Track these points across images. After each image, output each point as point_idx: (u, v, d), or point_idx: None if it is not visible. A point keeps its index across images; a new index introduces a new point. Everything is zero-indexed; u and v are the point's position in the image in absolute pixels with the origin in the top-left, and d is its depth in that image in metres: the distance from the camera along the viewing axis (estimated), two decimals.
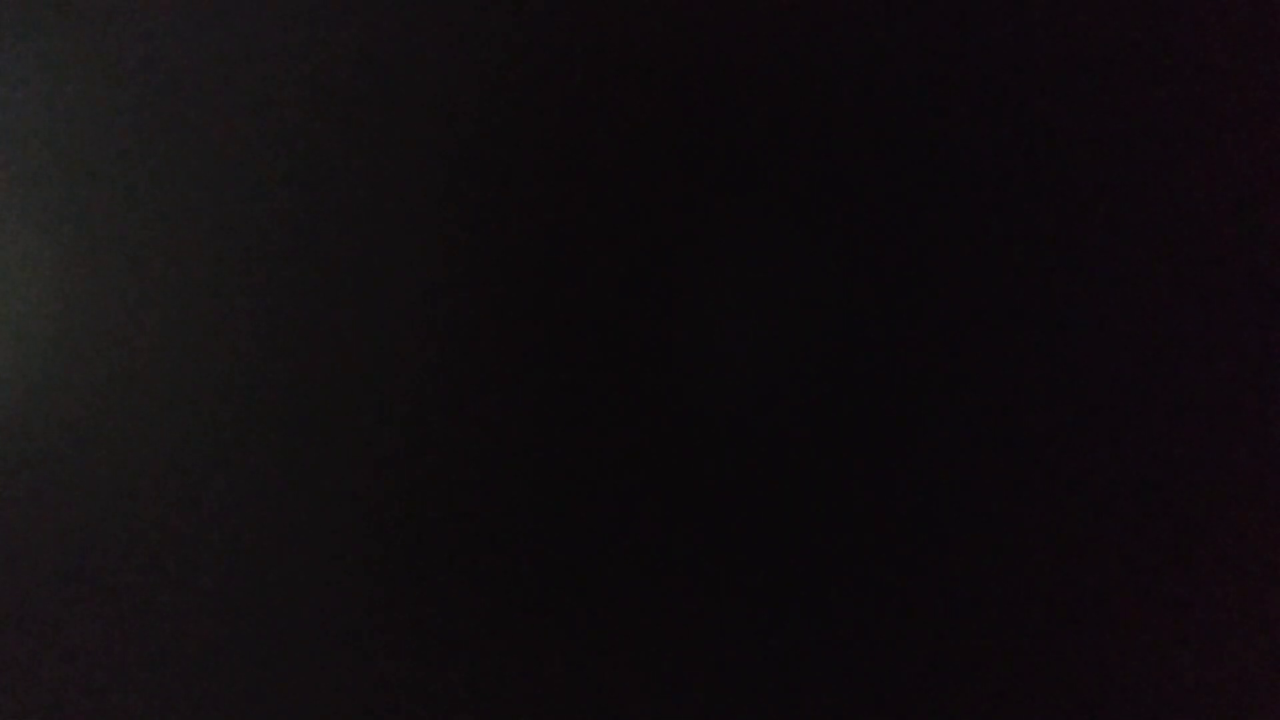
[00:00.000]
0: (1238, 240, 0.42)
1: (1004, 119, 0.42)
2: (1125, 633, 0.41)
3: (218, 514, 0.42)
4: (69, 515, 0.42)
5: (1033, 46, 0.42)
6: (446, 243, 0.42)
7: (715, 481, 0.41)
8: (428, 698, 0.41)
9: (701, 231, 0.41)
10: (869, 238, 0.41)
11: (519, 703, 0.41)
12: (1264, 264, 0.42)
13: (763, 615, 0.41)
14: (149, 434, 0.42)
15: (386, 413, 0.42)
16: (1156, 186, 0.42)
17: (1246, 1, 0.42)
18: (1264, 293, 0.41)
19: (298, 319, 0.42)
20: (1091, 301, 0.41)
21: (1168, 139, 0.42)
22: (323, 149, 0.42)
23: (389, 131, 0.42)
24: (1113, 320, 0.41)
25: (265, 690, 0.42)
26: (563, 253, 0.42)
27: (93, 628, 0.42)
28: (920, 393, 0.41)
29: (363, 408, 0.42)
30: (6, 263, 0.42)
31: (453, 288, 0.42)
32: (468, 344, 0.42)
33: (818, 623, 0.41)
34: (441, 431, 0.42)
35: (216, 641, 0.42)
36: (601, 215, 0.42)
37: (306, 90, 0.42)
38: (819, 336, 0.41)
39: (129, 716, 0.42)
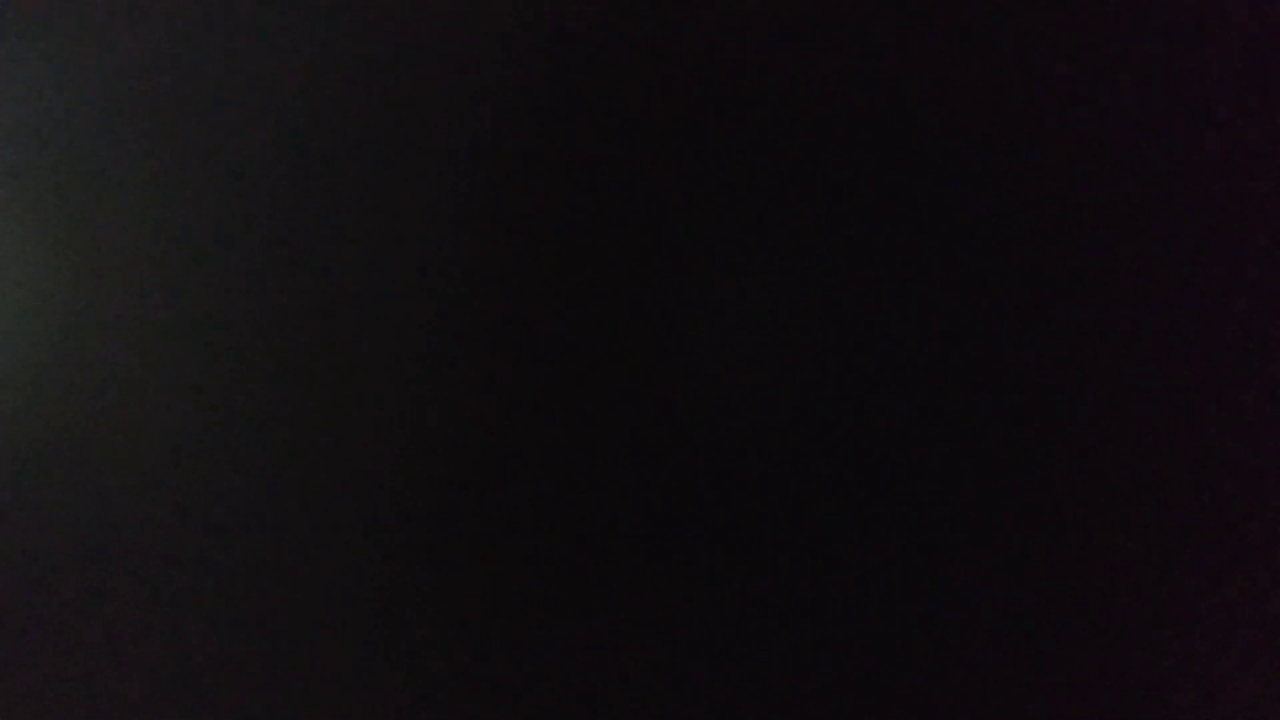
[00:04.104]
0: (1237, 240, 0.42)
1: (999, 119, 0.42)
2: (1125, 632, 0.41)
3: (218, 514, 0.42)
4: (69, 515, 0.42)
5: (1032, 46, 0.42)
6: (444, 242, 0.42)
7: (715, 480, 0.41)
8: (427, 697, 0.42)
9: (699, 231, 0.42)
10: (867, 236, 0.42)
11: (518, 703, 0.41)
12: (1264, 264, 0.42)
13: (761, 616, 0.41)
14: (149, 433, 0.42)
15: (387, 413, 0.42)
16: (1155, 186, 0.42)
17: (1246, 1, 0.42)
18: (1264, 293, 0.42)
19: (298, 318, 0.42)
20: (1090, 301, 0.41)
21: (1167, 138, 0.42)
22: (322, 148, 0.42)
23: (389, 131, 0.42)
24: (1111, 319, 0.42)
25: (265, 690, 0.42)
26: (559, 252, 0.42)
27: (93, 628, 0.42)
28: (920, 391, 0.41)
29: (364, 407, 0.42)
30: (6, 263, 0.42)
31: (451, 287, 0.42)
32: (466, 344, 0.42)
33: (816, 624, 0.41)
34: (439, 432, 0.42)
35: (217, 641, 0.42)
36: (599, 214, 0.42)
37: (306, 89, 0.42)
38: (818, 335, 0.41)
39: (129, 716, 0.42)
